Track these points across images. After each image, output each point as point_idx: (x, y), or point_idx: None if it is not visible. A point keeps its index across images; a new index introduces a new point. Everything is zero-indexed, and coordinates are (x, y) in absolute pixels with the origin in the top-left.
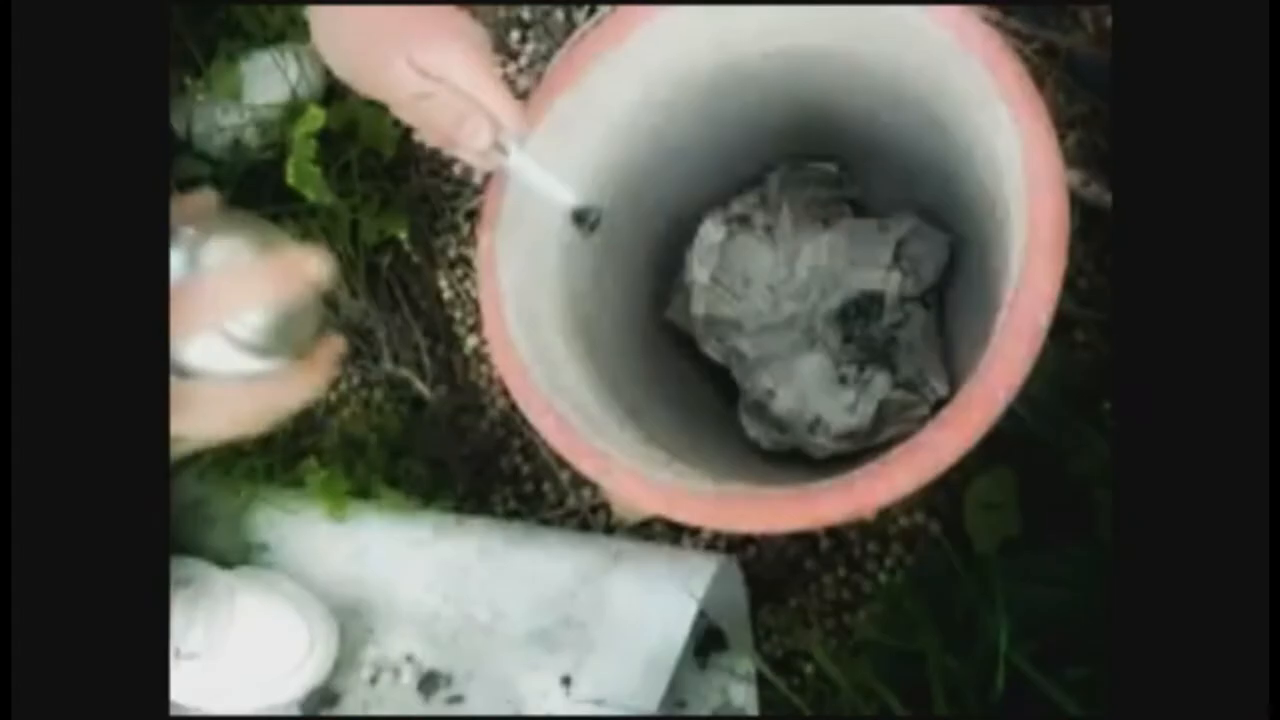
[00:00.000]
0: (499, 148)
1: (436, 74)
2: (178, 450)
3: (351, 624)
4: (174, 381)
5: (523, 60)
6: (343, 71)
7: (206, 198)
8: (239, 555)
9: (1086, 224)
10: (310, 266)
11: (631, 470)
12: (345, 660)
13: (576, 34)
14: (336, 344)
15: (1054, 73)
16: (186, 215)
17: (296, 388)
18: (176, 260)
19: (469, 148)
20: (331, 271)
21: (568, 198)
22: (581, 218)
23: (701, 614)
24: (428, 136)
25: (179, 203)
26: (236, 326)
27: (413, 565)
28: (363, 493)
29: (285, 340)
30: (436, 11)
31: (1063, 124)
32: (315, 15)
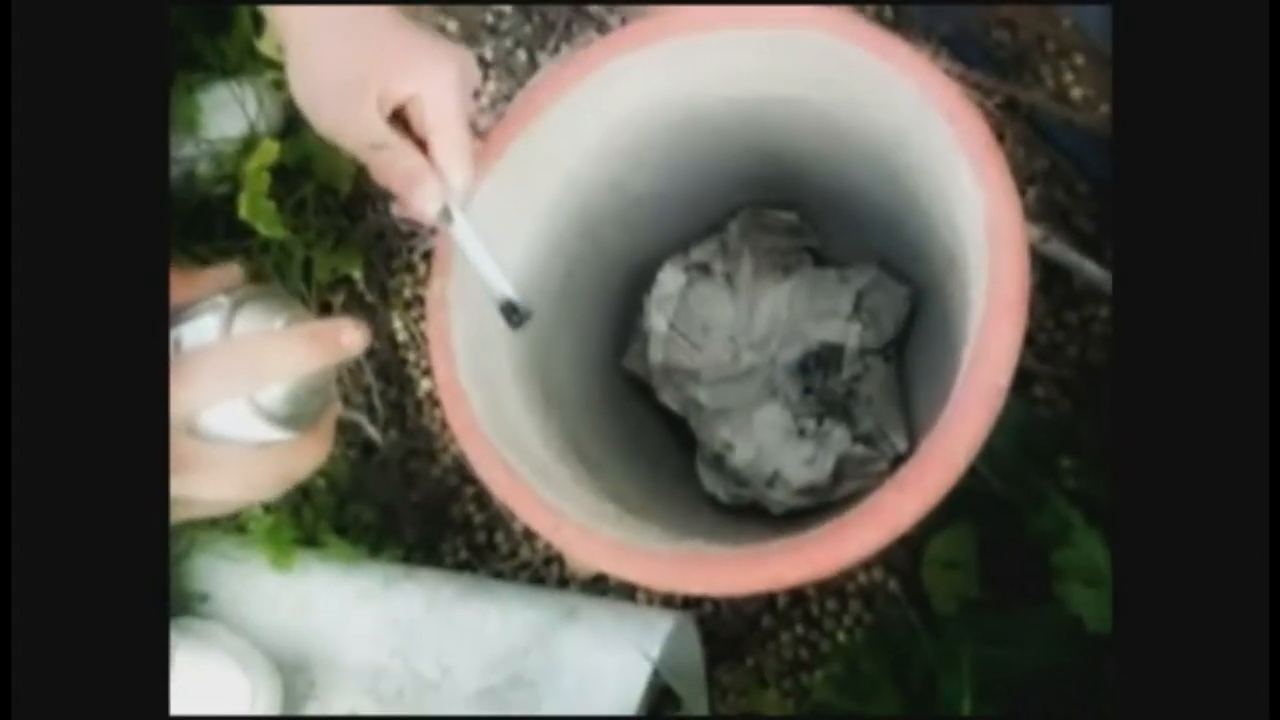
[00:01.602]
0: (445, 214)
1: (411, 98)
2: (188, 514)
3: (294, 679)
4: (191, 444)
5: (484, 100)
6: (307, 105)
7: (230, 270)
8: (177, 605)
9: (1047, 278)
10: (346, 336)
11: (582, 527)
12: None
13: (539, 74)
14: (336, 409)
15: (1015, 127)
16: (211, 286)
17: (308, 456)
18: (212, 325)
19: (416, 210)
20: (367, 341)
21: (502, 287)
22: (511, 311)
23: (655, 673)
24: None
25: (203, 274)
26: (263, 394)
27: (359, 618)
28: (309, 540)
29: (305, 410)
30: (419, 38)
31: (1023, 179)
32: (290, 50)
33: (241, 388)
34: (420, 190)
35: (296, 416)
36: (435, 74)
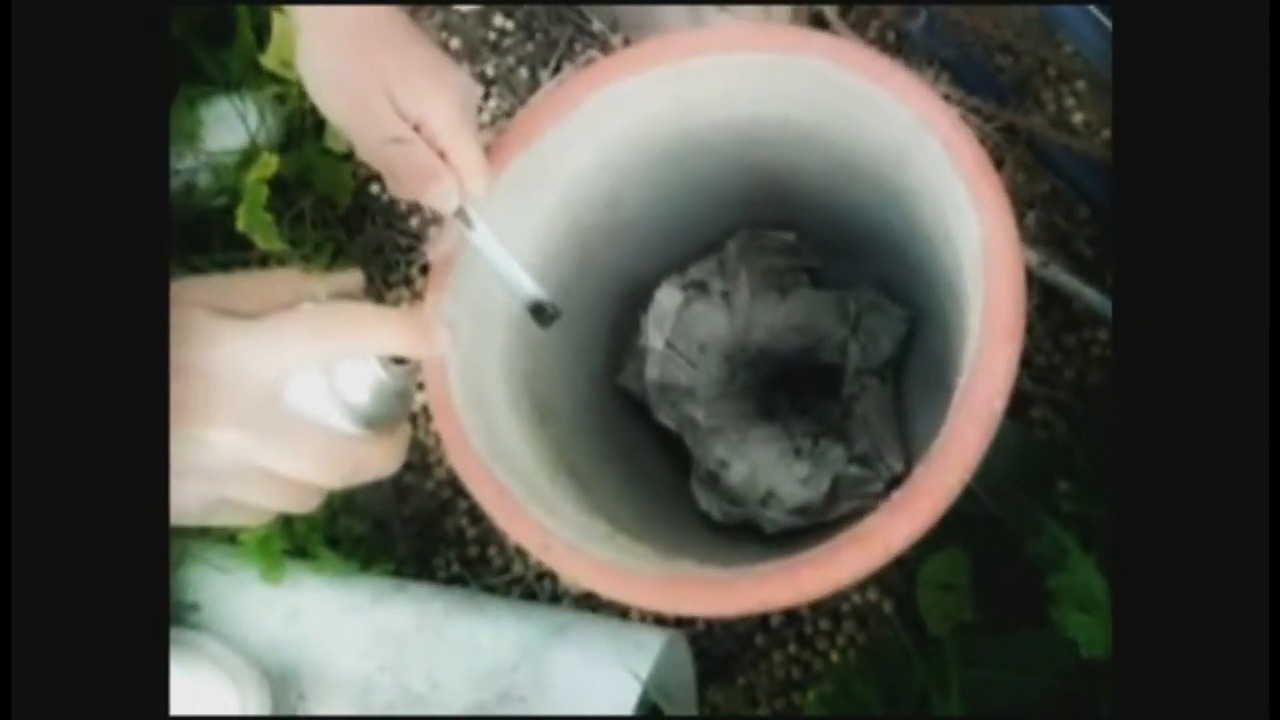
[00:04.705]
0: (463, 216)
1: (416, 119)
2: (237, 518)
3: (283, 691)
4: (278, 411)
5: (484, 117)
6: (319, 97)
7: (353, 277)
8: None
9: (1045, 302)
10: (440, 341)
11: (572, 546)
12: None
13: (540, 92)
14: (409, 428)
15: (1016, 152)
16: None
17: (382, 458)
18: (312, 387)
19: (432, 208)
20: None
21: (528, 288)
22: (539, 311)
23: (645, 691)
24: (392, 187)
25: (322, 280)
26: (348, 387)
27: (349, 631)
28: (300, 552)
29: (386, 412)
30: (428, 59)
31: (1023, 204)
32: (304, 34)
33: (331, 351)
34: (436, 187)
35: (376, 416)
36: (438, 98)
